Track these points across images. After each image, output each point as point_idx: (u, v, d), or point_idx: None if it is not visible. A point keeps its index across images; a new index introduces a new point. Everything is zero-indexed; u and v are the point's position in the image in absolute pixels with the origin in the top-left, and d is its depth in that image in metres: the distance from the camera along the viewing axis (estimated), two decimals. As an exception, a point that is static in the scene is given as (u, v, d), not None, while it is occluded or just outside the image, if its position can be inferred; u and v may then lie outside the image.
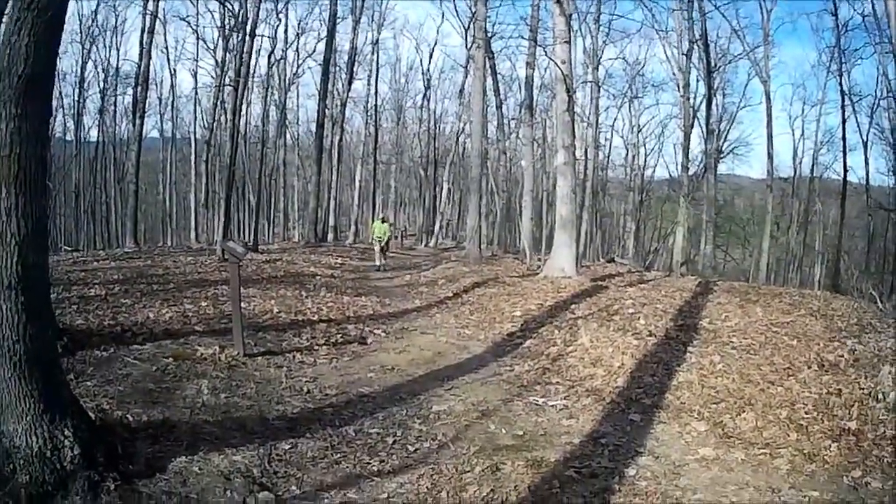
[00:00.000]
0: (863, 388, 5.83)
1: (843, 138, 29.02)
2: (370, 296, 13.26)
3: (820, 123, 39.93)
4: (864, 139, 30.35)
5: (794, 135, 56.71)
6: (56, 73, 4.32)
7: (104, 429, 4.49)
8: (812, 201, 38.91)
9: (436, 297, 13.39)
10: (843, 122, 28.61)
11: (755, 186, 43.55)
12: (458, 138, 42.34)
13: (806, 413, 5.48)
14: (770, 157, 29.78)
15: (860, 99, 29.70)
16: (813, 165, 38.25)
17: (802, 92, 78.40)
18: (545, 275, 14.44)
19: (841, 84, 28.32)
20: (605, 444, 5.16)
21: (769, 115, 29.55)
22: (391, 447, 5.17)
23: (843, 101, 28.36)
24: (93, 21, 37.06)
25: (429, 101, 47.11)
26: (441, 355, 8.31)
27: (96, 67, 39.32)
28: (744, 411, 5.66)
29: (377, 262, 20.27)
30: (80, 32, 36.55)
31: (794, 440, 5.08)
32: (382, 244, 20.49)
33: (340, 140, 38.13)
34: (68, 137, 40.32)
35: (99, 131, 41.62)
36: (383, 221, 21.66)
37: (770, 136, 29.49)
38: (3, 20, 3.95)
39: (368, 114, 41.77)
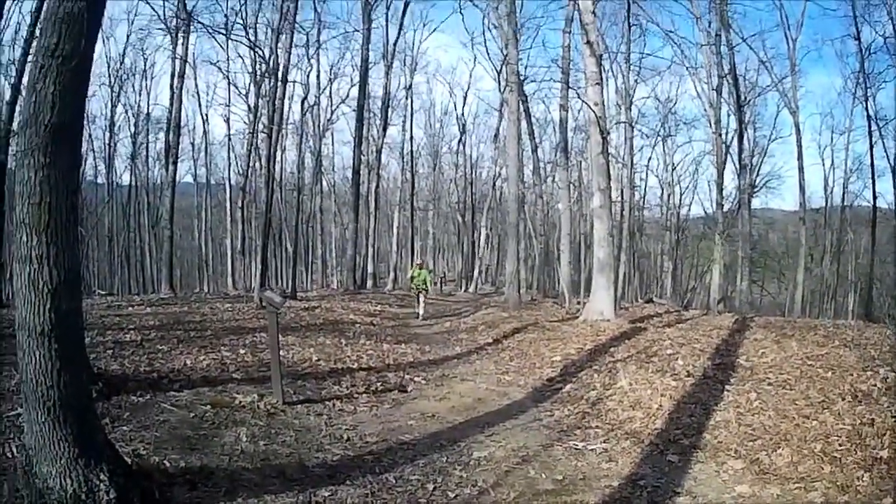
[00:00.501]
0: (895, 416, 5.74)
1: (872, 164, 29.15)
2: (410, 343, 13.24)
3: (849, 151, 39.76)
4: (892, 164, 29.70)
5: (824, 164, 56.58)
6: (85, 117, 4.37)
7: (140, 474, 4.49)
8: (844, 231, 38.50)
9: (476, 343, 13.36)
10: (871, 147, 28.70)
11: (788, 219, 43.17)
12: (494, 183, 42.57)
13: (840, 445, 5.41)
14: (802, 188, 29.92)
15: (886, 123, 29.39)
16: (843, 194, 38.14)
17: (830, 121, 76.61)
18: (584, 318, 14.32)
19: (867, 109, 28.56)
20: (643, 486, 5.10)
21: (799, 147, 29.81)
22: (431, 494, 5.09)
23: (869, 126, 28.49)
24: (120, 65, 37.87)
25: (464, 145, 47.71)
26: (481, 402, 8.24)
27: (126, 111, 39.83)
28: (779, 447, 5.60)
29: (417, 310, 19.81)
30: (109, 75, 37.35)
31: (828, 473, 5.01)
32: (423, 291, 20.09)
33: (377, 186, 38.39)
34: (100, 181, 40.41)
35: (131, 175, 41.92)
36: (420, 267, 21.41)
37: (801, 168, 29.68)
38: (28, 67, 4.01)
39: (404, 160, 42.34)
